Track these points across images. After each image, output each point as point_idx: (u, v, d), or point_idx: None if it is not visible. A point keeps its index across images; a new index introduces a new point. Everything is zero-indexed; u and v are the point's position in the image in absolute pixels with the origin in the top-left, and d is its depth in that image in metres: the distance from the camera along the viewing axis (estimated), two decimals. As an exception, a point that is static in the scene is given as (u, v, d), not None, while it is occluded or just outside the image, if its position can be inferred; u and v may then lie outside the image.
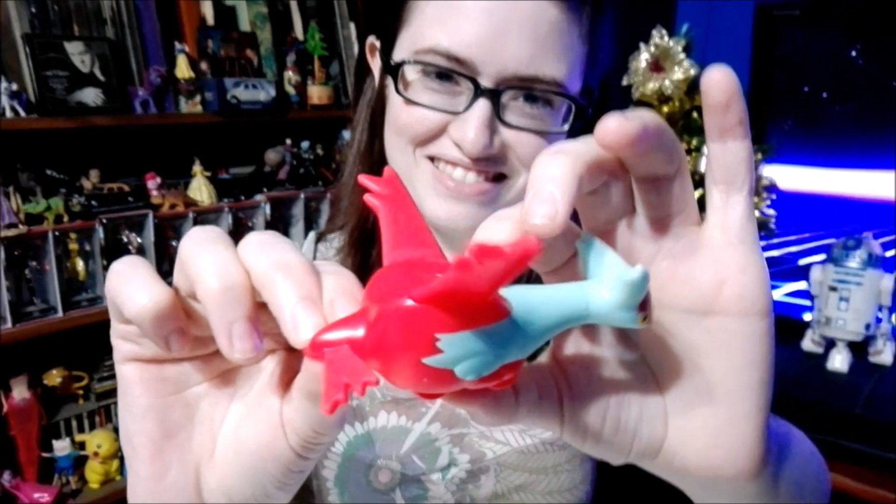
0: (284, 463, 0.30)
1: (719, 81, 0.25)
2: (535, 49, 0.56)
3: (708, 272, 0.27)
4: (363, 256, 0.70)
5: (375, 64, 0.68)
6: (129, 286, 0.27)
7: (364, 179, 0.30)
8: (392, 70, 0.60)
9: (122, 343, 0.30)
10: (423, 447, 0.69)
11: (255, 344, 0.26)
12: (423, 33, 0.58)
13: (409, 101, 0.59)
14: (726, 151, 0.26)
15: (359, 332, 0.24)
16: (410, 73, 0.60)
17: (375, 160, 0.69)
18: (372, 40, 0.67)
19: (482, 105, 0.57)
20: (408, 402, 0.69)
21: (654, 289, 0.27)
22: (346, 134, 0.73)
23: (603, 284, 0.24)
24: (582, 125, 0.61)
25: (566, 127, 0.60)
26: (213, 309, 0.26)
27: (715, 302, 0.27)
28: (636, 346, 0.30)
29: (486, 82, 0.56)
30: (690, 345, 0.28)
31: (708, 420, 0.28)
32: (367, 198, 0.29)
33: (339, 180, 0.74)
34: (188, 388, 0.31)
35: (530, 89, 0.58)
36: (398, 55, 0.61)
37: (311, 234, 0.79)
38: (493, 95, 0.57)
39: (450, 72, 0.57)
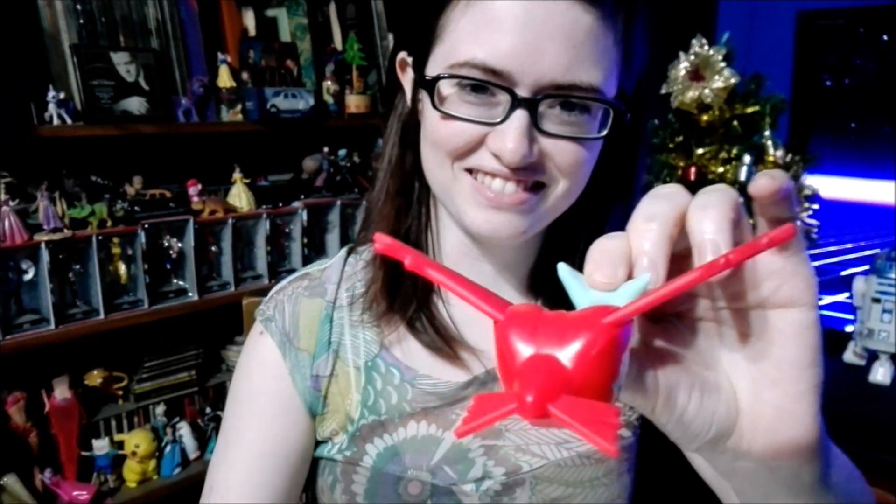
0: None
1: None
2: (572, 57, 0.55)
3: (771, 277, 0.32)
4: (392, 269, 0.69)
5: (406, 79, 0.67)
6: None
7: (386, 252, 0.32)
8: (427, 85, 0.59)
9: None
10: (455, 457, 0.68)
11: None
12: (457, 48, 0.57)
13: (446, 115, 0.59)
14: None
15: (563, 371, 0.27)
16: (446, 87, 0.59)
17: (407, 173, 0.69)
18: (402, 56, 0.67)
19: (520, 115, 0.56)
20: (437, 411, 0.68)
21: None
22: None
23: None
24: (618, 130, 0.60)
25: (604, 132, 0.59)
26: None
27: (775, 298, 0.32)
28: (717, 337, 0.35)
29: (523, 92, 0.56)
30: (758, 335, 0.34)
31: (772, 398, 0.33)
32: (407, 264, 0.32)
33: (372, 192, 0.74)
34: None
35: (568, 97, 0.57)
36: (432, 70, 0.60)
37: (343, 250, 0.78)
38: (531, 105, 0.56)
39: (486, 84, 0.57)
